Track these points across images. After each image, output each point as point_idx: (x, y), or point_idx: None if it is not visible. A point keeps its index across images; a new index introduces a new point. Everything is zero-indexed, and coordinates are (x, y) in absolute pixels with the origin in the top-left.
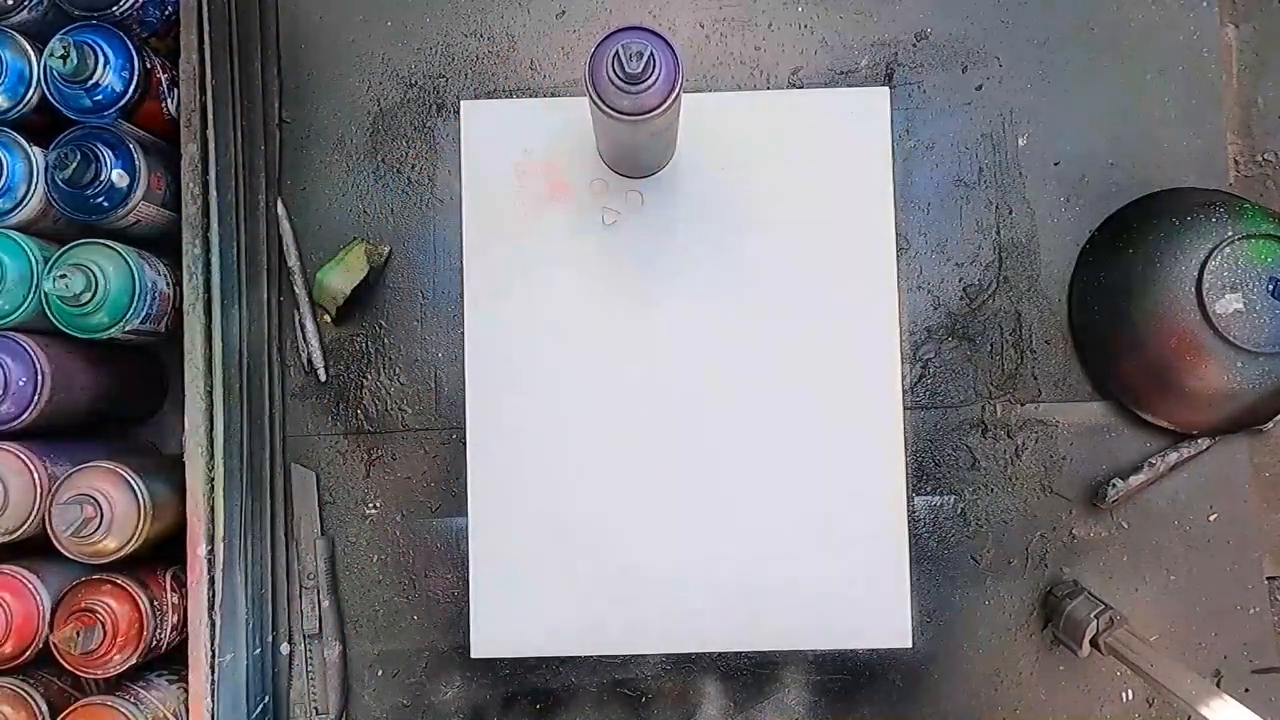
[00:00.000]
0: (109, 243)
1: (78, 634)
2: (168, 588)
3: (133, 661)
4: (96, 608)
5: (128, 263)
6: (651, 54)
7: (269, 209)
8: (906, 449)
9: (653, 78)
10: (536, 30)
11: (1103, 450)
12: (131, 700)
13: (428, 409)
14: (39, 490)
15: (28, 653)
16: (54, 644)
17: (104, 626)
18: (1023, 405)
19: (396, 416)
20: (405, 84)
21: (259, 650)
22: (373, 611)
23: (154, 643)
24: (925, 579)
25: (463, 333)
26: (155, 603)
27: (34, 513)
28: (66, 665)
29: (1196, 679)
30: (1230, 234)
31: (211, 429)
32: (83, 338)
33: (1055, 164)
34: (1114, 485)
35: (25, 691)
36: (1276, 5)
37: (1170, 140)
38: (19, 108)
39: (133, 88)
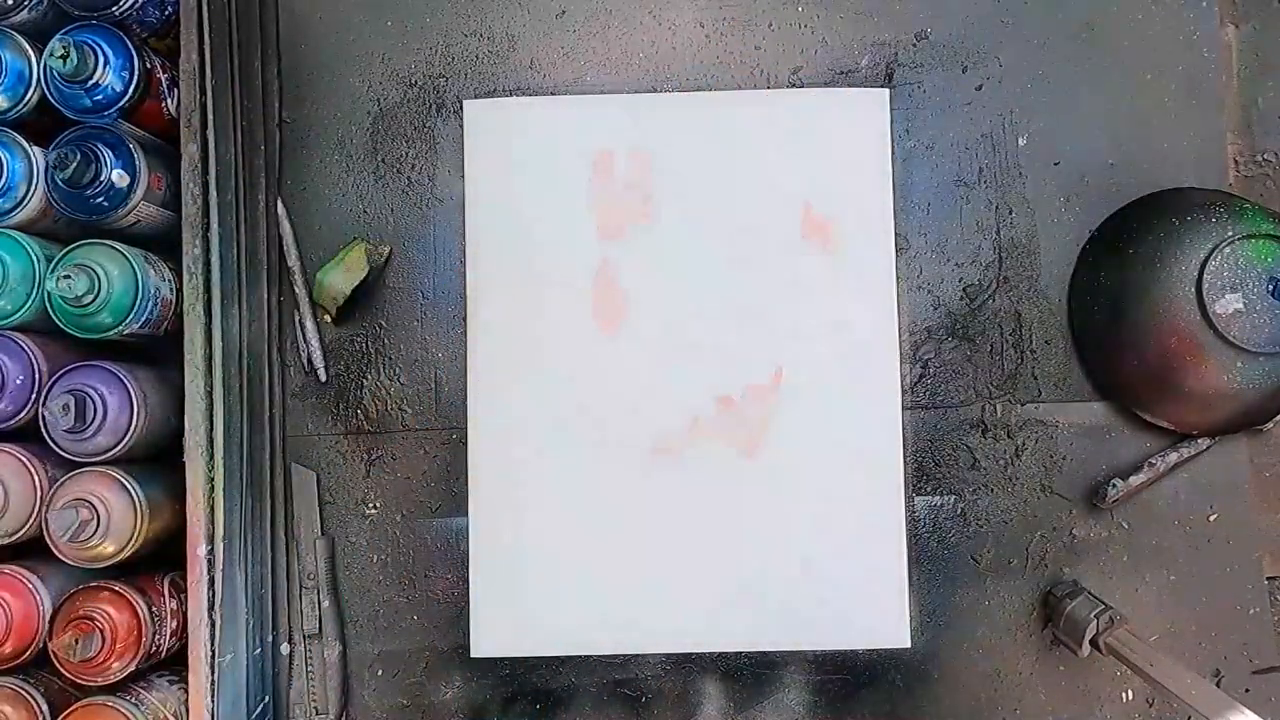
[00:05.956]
0: (113, 244)
1: (76, 641)
2: (166, 594)
3: (131, 669)
4: (95, 615)
5: (131, 264)
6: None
7: (269, 209)
8: (906, 449)
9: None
10: (536, 30)
11: (1103, 450)
12: (132, 700)
13: (428, 409)
14: (39, 492)
15: (28, 653)
16: (53, 652)
17: (102, 634)
18: (1023, 405)
19: (396, 416)
20: (405, 84)
21: (259, 650)
22: (373, 611)
23: (153, 649)
24: (925, 579)
25: (463, 332)
26: (154, 609)
27: (34, 515)
28: (65, 673)
29: (1196, 679)
30: (1230, 234)
31: (211, 429)
32: (82, 337)
33: (1055, 164)
34: (1114, 485)
35: (26, 691)
36: (1276, 5)
37: (1170, 140)
38: (19, 108)
39: (133, 88)
